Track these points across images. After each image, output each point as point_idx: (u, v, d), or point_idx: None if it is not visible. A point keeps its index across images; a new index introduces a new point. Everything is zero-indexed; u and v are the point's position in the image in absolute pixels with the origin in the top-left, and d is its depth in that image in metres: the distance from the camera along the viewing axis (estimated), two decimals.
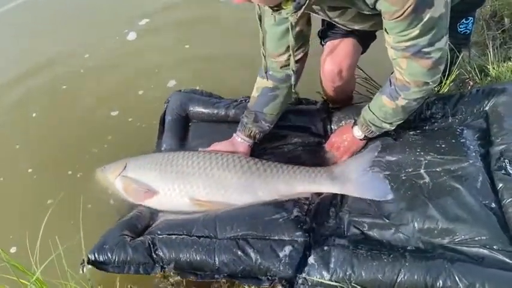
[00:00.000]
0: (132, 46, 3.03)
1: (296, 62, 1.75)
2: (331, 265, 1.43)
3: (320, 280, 1.43)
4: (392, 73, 1.59)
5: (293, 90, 1.82)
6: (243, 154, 1.88)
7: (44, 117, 2.61)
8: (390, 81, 1.61)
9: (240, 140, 1.90)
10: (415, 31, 1.38)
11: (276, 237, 1.51)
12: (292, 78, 1.74)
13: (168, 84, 2.66)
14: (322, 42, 1.96)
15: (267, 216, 1.59)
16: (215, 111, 2.07)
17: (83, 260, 1.53)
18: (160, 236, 1.58)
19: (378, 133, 1.76)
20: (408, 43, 1.42)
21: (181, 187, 1.78)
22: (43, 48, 3.12)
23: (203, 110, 2.09)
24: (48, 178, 2.24)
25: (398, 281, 1.37)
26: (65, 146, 2.40)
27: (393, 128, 1.72)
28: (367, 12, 1.51)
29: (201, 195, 1.76)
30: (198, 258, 1.51)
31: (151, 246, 1.54)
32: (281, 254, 1.46)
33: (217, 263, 1.49)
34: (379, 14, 1.44)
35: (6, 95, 2.80)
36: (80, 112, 2.60)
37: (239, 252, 1.49)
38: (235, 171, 1.77)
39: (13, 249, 1.90)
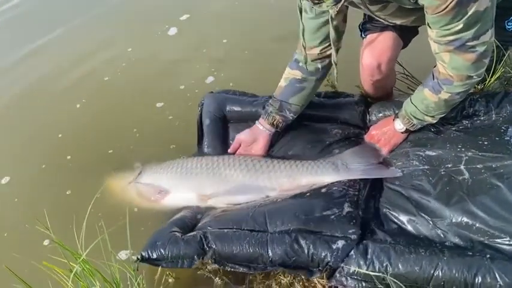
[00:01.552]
0: (172, 41, 3.10)
1: (328, 56, 1.76)
2: (368, 256, 1.44)
3: (357, 270, 1.44)
4: (435, 66, 1.57)
5: (336, 83, 1.86)
6: (264, 141, 1.93)
7: (87, 108, 2.71)
8: (433, 74, 1.60)
9: (262, 128, 1.94)
10: (459, 25, 1.36)
11: (329, 233, 1.52)
12: (335, 72, 1.74)
13: (206, 81, 2.70)
14: (363, 35, 1.95)
15: (317, 212, 1.60)
16: (254, 110, 2.06)
17: (137, 257, 1.59)
18: (212, 230, 1.61)
19: (419, 126, 1.75)
20: (452, 37, 1.41)
21: (189, 186, 1.88)
22: (87, 41, 3.25)
23: (241, 110, 2.08)
24: (87, 167, 2.33)
25: (435, 275, 1.37)
26: (106, 136, 2.49)
27: (435, 121, 1.71)
28: (409, 7, 1.50)
29: (208, 191, 1.84)
30: (251, 251, 1.53)
31: (204, 239, 1.57)
32: (334, 246, 1.47)
33: (270, 254, 1.51)
34: (421, 9, 1.42)
35: (51, 86, 2.92)
36: (121, 104, 2.68)
37: (292, 244, 1.50)
38: (241, 169, 1.85)
39: (59, 233, 2.00)
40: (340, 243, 1.47)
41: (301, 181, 1.78)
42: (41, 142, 2.57)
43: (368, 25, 1.92)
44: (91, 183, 2.12)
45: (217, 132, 2.07)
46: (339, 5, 1.43)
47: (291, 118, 1.92)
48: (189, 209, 1.84)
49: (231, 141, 2.07)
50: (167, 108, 2.57)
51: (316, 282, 1.58)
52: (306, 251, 1.49)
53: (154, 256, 1.58)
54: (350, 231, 1.51)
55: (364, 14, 1.91)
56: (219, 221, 1.67)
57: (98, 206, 1.80)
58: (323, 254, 1.47)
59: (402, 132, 1.79)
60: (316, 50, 1.76)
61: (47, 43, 3.35)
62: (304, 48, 1.75)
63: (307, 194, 1.70)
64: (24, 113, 2.80)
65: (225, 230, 1.60)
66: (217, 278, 1.66)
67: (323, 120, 2.00)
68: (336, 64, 1.72)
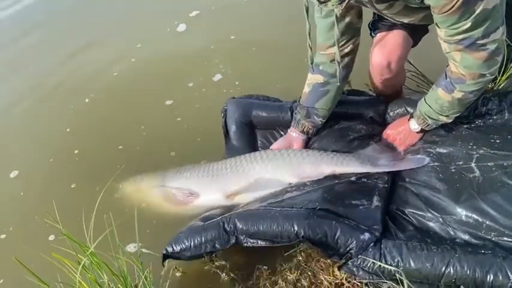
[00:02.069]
0: (181, 38, 3.10)
1: (346, 54, 1.75)
2: (381, 250, 1.44)
3: (371, 263, 1.44)
4: (447, 65, 1.56)
5: (338, 83, 1.82)
6: (298, 147, 1.93)
7: (96, 104, 2.73)
8: (446, 73, 1.58)
9: (295, 135, 1.94)
10: (467, 24, 1.35)
11: (355, 222, 1.51)
12: (338, 70, 1.75)
13: (214, 78, 2.69)
14: (372, 34, 1.94)
15: (347, 200, 1.60)
16: (281, 115, 2.03)
17: (163, 254, 1.59)
18: (236, 212, 1.62)
19: (434, 126, 1.73)
20: (461, 36, 1.39)
21: (216, 186, 1.89)
22: (96, 37, 3.26)
23: (267, 115, 2.05)
24: (93, 161, 2.35)
25: (447, 272, 1.36)
26: (114, 132, 2.51)
27: (450, 120, 1.69)
28: (415, 6, 1.49)
29: (233, 189, 1.85)
30: (276, 224, 1.51)
31: (226, 221, 1.57)
32: (361, 237, 1.47)
33: (295, 228, 1.48)
34: (427, 8, 1.41)
35: (61, 81, 2.95)
36: (129, 100, 2.69)
37: (320, 222, 1.49)
38: (262, 161, 1.86)
39: (66, 226, 2.01)
40: (366, 235, 1.47)
41: (324, 170, 1.78)
42: (49, 136, 2.59)
43: (378, 24, 1.90)
44: (98, 178, 2.13)
45: (245, 137, 2.05)
46: (344, 4, 1.42)
47: (320, 122, 1.92)
48: (214, 210, 1.84)
49: (260, 147, 2.06)
50: (176, 107, 2.56)
51: (323, 278, 1.58)
52: (333, 233, 1.48)
53: (178, 249, 1.58)
54: (375, 226, 1.51)
55: (374, 13, 1.90)
56: (243, 208, 1.68)
57: (105, 200, 1.80)
58: (349, 241, 1.47)
59: (417, 132, 1.78)
60: (333, 50, 1.74)
61: (56, 39, 3.39)
62: (311, 49, 1.74)
63: (336, 181, 1.70)
64: (33, 108, 2.82)
65: (250, 211, 1.60)
66: (223, 274, 1.67)
67: (347, 117, 1.99)
68: (339, 62, 1.72)
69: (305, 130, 1.92)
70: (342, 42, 1.72)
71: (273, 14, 3.07)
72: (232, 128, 2.05)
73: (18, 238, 2.07)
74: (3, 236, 2.10)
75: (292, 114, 2.00)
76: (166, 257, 1.61)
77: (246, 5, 3.25)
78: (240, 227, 1.54)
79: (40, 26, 3.55)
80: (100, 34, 3.29)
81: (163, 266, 1.60)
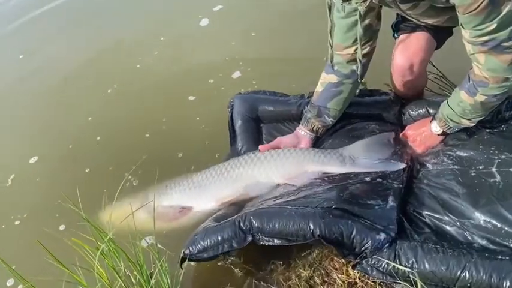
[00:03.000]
0: (204, 32, 3.13)
1: (362, 56, 1.74)
2: (396, 251, 1.43)
3: (385, 263, 1.44)
4: (471, 68, 1.54)
5: (359, 81, 1.82)
6: (304, 145, 1.92)
7: (118, 94, 2.78)
8: (469, 76, 1.56)
9: (303, 134, 1.93)
10: (493, 25, 1.33)
11: (370, 222, 1.50)
12: (358, 69, 1.74)
13: (233, 75, 2.70)
14: (395, 35, 1.92)
15: (362, 200, 1.59)
16: (287, 109, 2.05)
17: (181, 258, 1.59)
18: (251, 211, 1.61)
19: (456, 129, 1.71)
20: (486, 37, 1.37)
21: (205, 197, 1.90)
22: (121, 29, 3.34)
23: (274, 109, 2.06)
24: (112, 149, 2.40)
25: (462, 276, 1.35)
26: (135, 122, 2.55)
27: (473, 124, 1.67)
28: (440, 5, 1.48)
29: (224, 196, 1.86)
30: (292, 223, 1.50)
31: (241, 220, 1.57)
32: (376, 237, 1.46)
33: (311, 227, 1.48)
34: (453, 9, 1.40)
35: (85, 71, 3.01)
36: (151, 92, 2.73)
37: (336, 221, 1.48)
38: (248, 165, 1.86)
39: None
40: (382, 236, 1.46)
41: (307, 168, 1.80)
42: (71, 124, 2.65)
43: (401, 25, 1.89)
44: (117, 166, 2.17)
45: (250, 132, 2.06)
46: (367, 2, 1.41)
47: (330, 122, 1.91)
48: (224, 209, 1.84)
49: (264, 142, 2.06)
50: (198, 105, 2.57)
51: (336, 277, 1.58)
52: (349, 232, 1.46)
53: (195, 250, 1.58)
54: (391, 226, 1.49)
55: (397, 14, 1.88)
56: (258, 207, 1.67)
57: (125, 188, 1.85)
58: (364, 241, 1.45)
59: (439, 135, 1.76)
60: (350, 50, 1.73)
61: (83, 31, 3.45)
62: (331, 47, 1.74)
63: (351, 181, 1.70)
64: (57, 96, 2.89)
65: (265, 209, 1.60)
66: (237, 269, 1.68)
67: (360, 117, 1.99)
68: (360, 61, 1.72)
69: (314, 129, 1.91)
70: (357, 46, 1.71)
71: (297, 11, 3.06)
72: (238, 123, 2.06)
73: (33, 224, 2.13)
74: (17, 222, 2.15)
75: (298, 109, 2.01)
76: (184, 260, 1.59)
77: (271, 2, 3.25)
78: (256, 225, 1.54)
79: (69, 20, 3.64)
80: (124, 27, 3.36)
81: (182, 268, 1.59)
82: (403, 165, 1.70)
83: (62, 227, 2.04)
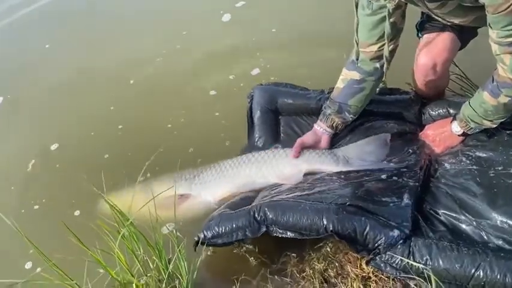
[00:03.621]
0: (226, 27, 3.16)
1: (383, 55, 1.74)
2: (410, 248, 1.44)
3: (399, 259, 1.45)
4: (495, 69, 1.54)
5: (384, 78, 1.83)
6: (325, 143, 1.93)
7: (139, 85, 2.82)
8: (493, 77, 1.56)
9: (322, 130, 1.93)
10: None
11: (384, 219, 1.51)
12: (385, 67, 1.75)
13: (252, 72, 2.71)
14: (419, 35, 1.92)
15: (377, 197, 1.61)
16: (307, 103, 2.05)
17: (195, 241, 1.64)
18: (266, 202, 1.64)
19: (477, 130, 1.71)
20: None
21: (204, 194, 1.95)
22: (143, 22, 3.39)
23: (293, 102, 2.07)
24: (137, 137, 2.44)
25: (476, 274, 1.36)
26: (155, 112, 2.59)
27: (494, 125, 1.66)
28: (469, 5, 1.48)
29: (222, 193, 1.91)
30: (305, 218, 1.53)
31: (256, 210, 1.60)
32: (390, 233, 1.47)
33: (324, 222, 1.50)
34: (481, 8, 1.40)
35: (108, 64, 3.05)
36: (172, 85, 2.76)
37: (350, 217, 1.50)
38: (246, 165, 1.91)
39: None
40: (396, 232, 1.47)
41: (301, 168, 1.84)
42: (93, 113, 2.70)
43: (425, 25, 1.89)
44: (138, 152, 2.21)
45: (268, 123, 2.07)
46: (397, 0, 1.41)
47: (350, 119, 1.91)
48: (238, 197, 1.87)
49: (282, 134, 2.08)
50: (218, 100, 2.58)
51: (350, 270, 1.60)
52: (362, 228, 1.48)
53: (210, 235, 1.62)
54: (405, 223, 1.50)
55: (422, 13, 1.88)
56: (272, 198, 1.70)
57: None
58: (378, 237, 1.47)
59: (459, 135, 1.76)
60: (374, 48, 1.74)
61: (106, 22, 3.53)
62: (357, 44, 1.75)
63: (366, 178, 1.71)
64: (80, 87, 2.94)
65: (280, 202, 1.63)
66: (252, 258, 1.71)
67: (379, 115, 1.99)
68: (387, 60, 1.72)
69: (334, 125, 1.90)
70: (383, 42, 1.71)
71: (319, 8, 3.07)
72: (257, 114, 2.08)
73: (51, 209, 2.17)
74: (36, 207, 2.20)
75: (317, 103, 2.01)
76: (198, 243, 1.64)
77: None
78: (270, 217, 1.57)
79: (89, 11, 3.73)
80: (147, 20, 3.40)
81: (195, 250, 1.64)
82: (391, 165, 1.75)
83: (77, 213, 2.08)
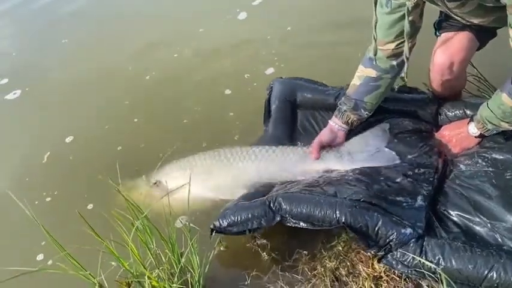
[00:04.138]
0: (241, 26, 3.17)
1: (400, 53, 1.74)
2: (423, 248, 1.44)
3: (411, 257, 1.46)
4: None
5: (404, 77, 1.80)
6: (341, 140, 1.93)
7: (155, 81, 2.84)
8: (511, 79, 1.54)
9: (338, 127, 1.92)
10: None
11: (397, 218, 1.51)
12: (406, 65, 1.73)
13: (266, 72, 2.71)
14: (437, 33, 1.91)
15: (390, 196, 1.61)
16: (325, 98, 2.07)
17: (211, 228, 1.66)
18: (281, 193, 1.67)
19: (494, 132, 1.69)
20: None
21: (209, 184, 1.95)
22: (160, 19, 3.40)
23: (312, 97, 2.09)
24: (151, 131, 2.46)
25: (489, 276, 1.35)
26: (171, 108, 2.60)
27: None
28: (490, 5, 1.46)
29: (224, 187, 1.92)
30: (319, 210, 1.55)
31: (272, 200, 1.62)
32: (402, 230, 1.47)
33: (337, 214, 1.51)
34: (501, 9, 1.38)
35: (125, 58, 3.08)
36: (187, 81, 2.77)
37: (362, 212, 1.51)
38: (252, 160, 1.92)
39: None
40: (408, 230, 1.47)
41: (306, 166, 1.86)
42: (108, 107, 2.72)
43: (444, 23, 1.88)
44: (152, 146, 2.22)
45: (284, 114, 2.09)
46: None
47: (366, 116, 1.91)
48: (254, 188, 1.87)
49: (298, 127, 2.09)
50: (232, 99, 2.58)
51: (361, 269, 1.60)
52: (374, 224, 1.49)
53: (225, 224, 1.64)
54: (419, 224, 1.50)
55: (440, 12, 1.87)
56: (288, 190, 1.71)
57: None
58: (389, 233, 1.47)
59: (476, 137, 1.75)
60: (391, 46, 1.73)
61: (124, 20, 3.56)
62: (375, 41, 1.74)
63: (382, 178, 1.71)
64: (98, 82, 2.97)
65: (295, 193, 1.65)
66: (264, 253, 1.72)
67: (396, 113, 1.99)
68: (407, 59, 1.72)
69: (349, 121, 1.90)
70: (401, 40, 1.70)
71: (336, 8, 3.07)
72: (275, 105, 2.09)
73: (62, 201, 2.19)
74: (48, 199, 2.21)
75: (335, 100, 2.01)
76: (213, 231, 1.67)
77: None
78: (285, 207, 1.59)
79: (110, 9, 3.78)
80: (164, 17, 3.42)
81: (210, 238, 1.67)
82: (397, 159, 1.77)
83: (90, 206, 2.10)
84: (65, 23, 3.76)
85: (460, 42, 1.81)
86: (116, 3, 3.85)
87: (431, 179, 1.69)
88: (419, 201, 1.59)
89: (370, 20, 1.71)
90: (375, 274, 1.58)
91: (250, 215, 1.62)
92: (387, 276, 1.56)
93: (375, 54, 1.78)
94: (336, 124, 1.93)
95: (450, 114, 1.92)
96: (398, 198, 1.60)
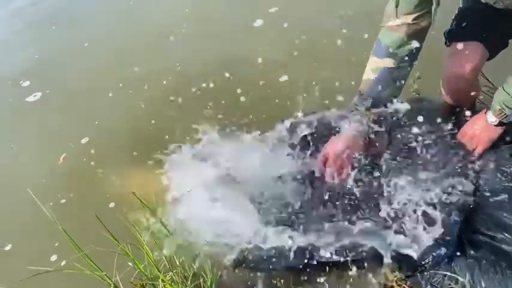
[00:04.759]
0: (256, 33, 3.18)
1: (418, 31, 1.65)
2: (452, 268, 1.44)
3: (439, 278, 1.45)
4: None
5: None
6: (363, 147, 1.78)
7: (170, 87, 2.85)
8: None
9: (356, 132, 1.75)
10: None
11: (432, 237, 1.49)
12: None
13: (280, 79, 2.70)
14: (447, 43, 1.90)
15: (426, 213, 1.58)
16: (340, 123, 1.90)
17: (234, 261, 1.63)
18: (313, 240, 1.61)
19: None
20: None
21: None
22: (176, 24, 3.44)
23: (327, 124, 1.99)
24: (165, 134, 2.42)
25: None
26: (185, 111, 2.63)
27: None
28: None
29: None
30: (353, 243, 1.53)
31: (301, 250, 1.58)
32: (437, 251, 1.45)
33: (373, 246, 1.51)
34: None
35: (142, 65, 3.12)
36: (198, 85, 2.76)
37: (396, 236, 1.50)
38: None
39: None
40: (442, 250, 1.45)
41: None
42: (125, 110, 2.77)
43: (455, 33, 1.87)
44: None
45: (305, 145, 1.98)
46: None
47: (385, 111, 1.75)
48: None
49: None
50: (249, 107, 2.51)
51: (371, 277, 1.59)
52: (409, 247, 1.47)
53: (250, 258, 1.61)
54: (451, 241, 1.48)
55: (452, 21, 1.86)
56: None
57: None
58: (426, 255, 1.46)
59: (496, 126, 1.67)
60: (409, 18, 1.61)
61: (143, 28, 3.61)
62: (396, 14, 1.63)
63: (414, 194, 1.66)
64: (116, 85, 3.01)
65: (327, 233, 1.61)
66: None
67: (412, 123, 1.91)
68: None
69: (369, 121, 1.76)
70: (421, 12, 1.60)
71: (350, 21, 3.07)
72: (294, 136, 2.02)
73: (76, 205, 2.22)
74: (63, 201, 2.25)
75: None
76: (236, 264, 1.64)
77: (330, 4, 3.27)
78: (315, 254, 1.56)
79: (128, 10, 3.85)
80: (181, 22, 3.46)
81: (234, 272, 1.66)
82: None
83: (111, 205, 2.11)
84: (86, 25, 3.83)
85: (471, 52, 1.80)
86: (134, 11, 3.89)
87: (468, 196, 1.63)
88: (455, 216, 1.54)
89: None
90: (386, 283, 1.57)
91: (275, 254, 1.58)
92: (398, 286, 1.55)
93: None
94: (355, 131, 1.74)
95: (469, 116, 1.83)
96: (433, 215, 1.56)
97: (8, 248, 2.09)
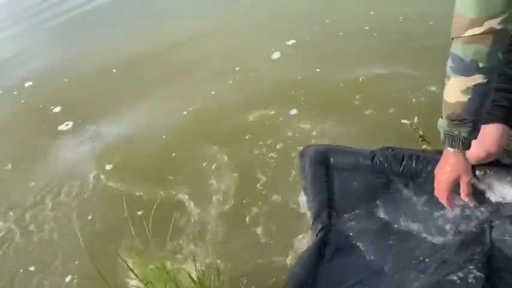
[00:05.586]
0: (274, 65, 3.30)
1: (505, 37, 1.39)
2: None
3: None
4: None
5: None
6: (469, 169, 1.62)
7: (190, 114, 2.99)
8: None
9: (458, 160, 1.58)
10: None
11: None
12: None
13: (291, 112, 2.74)
14: None
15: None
16: (360, 160, 2.00)
17: None
18: None
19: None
20: None
21: None
22: (199, 51, 3.65)
23: (344, 158, 2.04)
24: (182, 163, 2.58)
25: None
26: (198, 139, 2.74)
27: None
28: None
29: None
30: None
31: None
32: None
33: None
34: None
35: (161, 95, 3.29)
36: (220, 118, 2.87)
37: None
38: None
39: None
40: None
41: None
42: (147, 137, 2.91)
43: None
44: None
45: (320, 176, 2.01)
46: None
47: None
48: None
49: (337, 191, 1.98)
50: (260, 137, 2.60)
51: None
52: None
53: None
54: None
55: None
56: None
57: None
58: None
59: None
60: (493, 23, 1.34)
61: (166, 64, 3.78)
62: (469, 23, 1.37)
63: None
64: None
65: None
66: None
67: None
68: None
69: (469, 145, 1.58)
70: (506, 15, 1.33)
71: (366, 51, 3.14)
72: (307, 167, 2.05)
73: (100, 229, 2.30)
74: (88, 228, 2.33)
75: (373, 161, 1.96)
76: None
77: (341, 39, 3.37)
78: None
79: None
80: (203, 52, 3.65)
81: None
82: None
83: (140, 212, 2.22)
84: (116, 51, 4.03)
85: (494, 134, 1.72)
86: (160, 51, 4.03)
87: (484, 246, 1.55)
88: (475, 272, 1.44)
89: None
90: None
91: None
92: None
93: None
94: (455, 157, 1.58)
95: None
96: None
97: None
